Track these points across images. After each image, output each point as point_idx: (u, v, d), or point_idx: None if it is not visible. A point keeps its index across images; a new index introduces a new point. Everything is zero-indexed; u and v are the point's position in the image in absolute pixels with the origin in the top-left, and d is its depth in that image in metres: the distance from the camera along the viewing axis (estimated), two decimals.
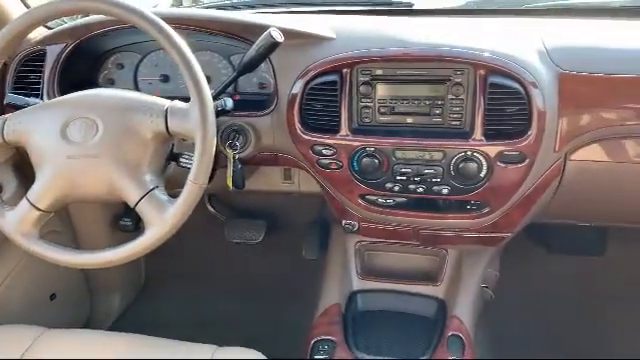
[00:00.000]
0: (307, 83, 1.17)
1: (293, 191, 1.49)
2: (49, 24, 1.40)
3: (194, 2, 2.15)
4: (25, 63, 1.36)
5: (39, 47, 1.35)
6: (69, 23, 1.39)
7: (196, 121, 0.97)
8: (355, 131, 1.19)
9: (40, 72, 1.33)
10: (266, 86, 1.36)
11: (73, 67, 1.35)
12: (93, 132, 1.01)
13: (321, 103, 1.19)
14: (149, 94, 1.10)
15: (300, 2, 1.52)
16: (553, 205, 1.28)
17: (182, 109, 1.01)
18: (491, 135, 1.13)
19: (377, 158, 1.19)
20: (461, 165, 1.16)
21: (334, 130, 1.19)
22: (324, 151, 1.21)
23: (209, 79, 1.35)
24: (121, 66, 1.43)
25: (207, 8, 1.70)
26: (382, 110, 1.19)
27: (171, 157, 1.11)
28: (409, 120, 1.19)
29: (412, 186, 1.21)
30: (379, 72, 1.17)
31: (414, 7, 1.47)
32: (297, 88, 1.18)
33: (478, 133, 1.13)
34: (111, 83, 1.44)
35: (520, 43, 1.18)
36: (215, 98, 1.16)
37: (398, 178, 1.21)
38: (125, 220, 1.70)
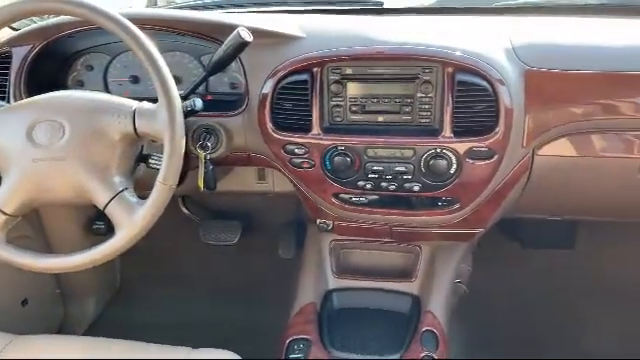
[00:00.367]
0: (278, 82, 1.17)
1: (268, 191, 1.49)
2: (14, 25, 1.37)
3: (169, 3, 2.13)
4: None
5: (4, 49, 1.32)
6: (35, 24, 1.37)
7: (164, 122, 0.97)
8: (327, 130, 1.20)
9: (6, 74, 1.31)
10: (237, 86, 1.35)
11: (41, 69, 1.33)
12: (60, 134, 1.00)
13: (292, 102, 1.19)
14: (119, 96, 1.09)
15: (270, 2, 1.51)
16: (523, 200, 1.30)
17: (150, 110, 1.00)
18: (460, 132, 1.15)
19: (349, 156, 1.20)
20: (431, 162, 1.17)
21: (306, 129, 1.20)
22: (296, 150, 1.21)
23: (179, 80, 1.35)
24: (90, 68, 1.41)
25: (179, 8, 1.69)
26: (353, 109, 1.20)
27: (140, 158, 1.10)
28: (380, 118, 1.20)
29: (384, 184, 1.22)
30: (349, 71, 1.17)
31: (384, 6, 1.48)
32: (268, 88, 1.18)
33: (447, 130, 1.15)
34: (80, 85, 1.42)
35: (487, 41, 1.20)
36: (185, 98, 1.16)
37: (370, 176, 1.21)
38: (98, 223, 1.68)
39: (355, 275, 1.46)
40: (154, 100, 1.02)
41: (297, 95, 1.18)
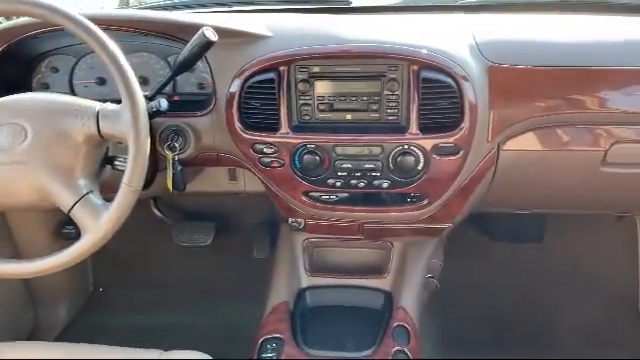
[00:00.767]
0: (244, 82, 1.17)
1: (239, 191, 1.49)
2: None
3: (141, 3, 2.11)
4: None
5: None
6: None
7: (128, 123, 0.96)
8: (295, 129, 1.20)
9: None
10: (205, 86, 1.35)
11: (4, 71, 1.31)
12: (21, 138, 0.98)
13: (260, 101, 1.19)
14: (85, 98, 1.08)
15: (238, 1, 1.51)
16: (490, 194, 1.32)
17: (113, 111, 1.00)
18: (426, 129, 1.16)
19: (318, 155, 1.20)
20: (399, 159, 1.18)
21: (274, 128, 1.20)
22: (265, 149, 1.21)
23: (146, 80, 1.34)
24: (55, 70, 1.39)
25: (149, 9, 1.68)
26: (321, 107, 1.20)
27: (106, 160, 1.09)
28: (348, 116, 1.21)
29: (353, 181, 1.22)
30: (316, 69, 1.18)
31: (352, 5, 1.49)
32: (235, 87, 1.18)
33: (414, 127, 1.16)
34: (45, 87, 1.40)
35: (451, 38, 1.21)
36: (151, 99, 1.15)
37: (339, 174, 1.22)
38: (68, 228, 1.66)
39: (328, 273, 1.47)
40: (121, 102, 1.01)
41: (265, 94, 1.18)
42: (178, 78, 1.31)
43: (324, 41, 1.18)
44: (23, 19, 1.30)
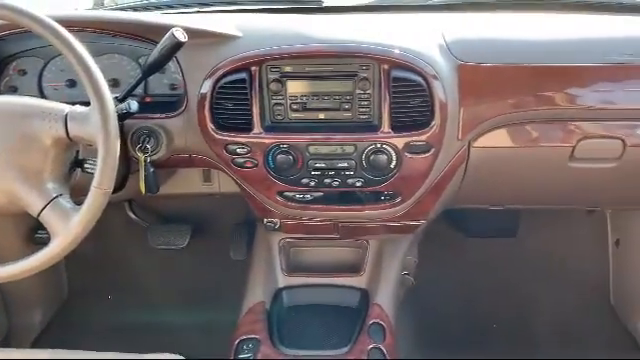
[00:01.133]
0: (216, 82, 1.17)
1: (214, 192, 1.49)
2: None
3: (115, 4, 2.09)
4: None
5: None
6: None
7: (97, 125, 0.95)
8: (268, 128, 1.20)
9: None
10: (177, 87, 1.34)
11: None
12: None
13: (232, 102, 1.19)
14: (56, 100, 1.06)
15: (209, 2, 1.50)
16: (462, 191, 1.34)
17: (82, 113, 0.98)
18: (398, 127, 1.17)
19: (292, 154, 1.21)
20: (372, 157, 1.19)
21: (247, 128, 1.20)
22: (238, 150, 1.21)
23: (117, 82, 1.33)
24: (23, 72, 1.37)
25: (121, 10, 1.66)
26: (294, 107, 1.21)
27: (76, 163, 1.07)
28: (321, 116, 1.21)
29: (327, 180, 1.23)
30: (288, 69, 1.18)
31: (323, 5, 1.49)
32: (206, 88, 1.18)
33: (386, 126, 1.17)
34: (14, 90, 1.37)
35: (421, 37, 1.23)
36: (122, 101, 1.14)
37: (313, 173, 1.23)
38: (40, 232, 1.63)
39: (305, 272, 1.47)
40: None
41: (237, 94, 1.18)
42: (150, 79, 1.30)
43: (295, 41, 1.18)
44: None
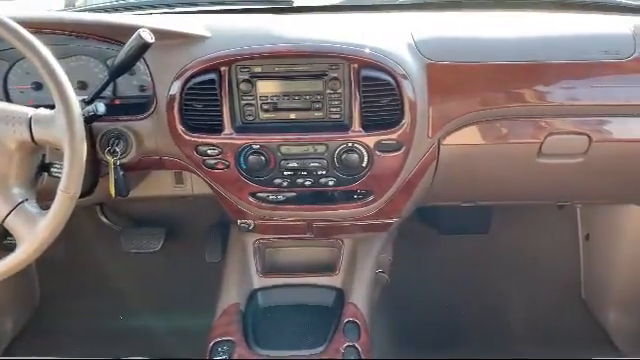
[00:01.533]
0: (185, 83, 1.16)
1: (186, 195, 1.47)
2: None
3: (86, 5, 2.05)
4: None
5: None
6: None
7: (62, 128, 0.93)
8: (239, 129, 1.20)
9: None
10: (146, 88, 1.32)
11: None
12: None
13: (202, 103, 1.18)
14: (22, 104, 1.04)
15: (178, 3, 1.49)
16: (434, 188, 1.36)
17: (47, 116, 0.97)
18: (369, 126, 1.18)
19: (263, 155, 1.20)
20: (343, 156, 1.20)
21: (217, 129, 1.19)
22: (209, 151, 1.20)
23: (85, 84, 1.31)
24: None
25: (92, 11, 1.63)
26: (265, 107, 1.20)
27: (42, 167, 1.05)
28: (292, 116, 1.21)
29: (300, 180, 1.23)
30: (258, 69, 1.18)
31: (294, 4, 1.49)
32: (175, 89, 1.17)
33: (356, 125, 1.18)
34: None
35: (390, 37, 1.23)
36: (89, 103, 1.13)
37: (285, 173, 1.23)
38: (9, 239, 1.59)
39: (280, 273, 1.47)
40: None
41: (206, 95, 1.17)
42: (119, 81, 1.28)
43: (265, 41, 1.18)
44: None
